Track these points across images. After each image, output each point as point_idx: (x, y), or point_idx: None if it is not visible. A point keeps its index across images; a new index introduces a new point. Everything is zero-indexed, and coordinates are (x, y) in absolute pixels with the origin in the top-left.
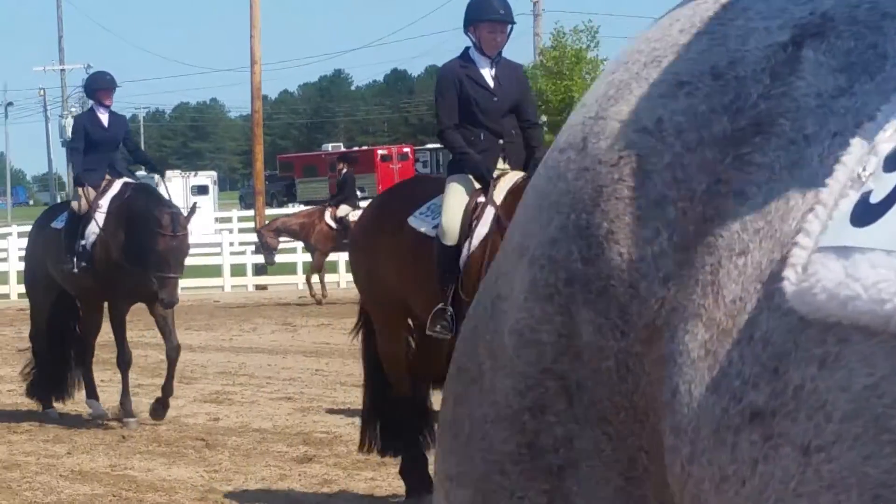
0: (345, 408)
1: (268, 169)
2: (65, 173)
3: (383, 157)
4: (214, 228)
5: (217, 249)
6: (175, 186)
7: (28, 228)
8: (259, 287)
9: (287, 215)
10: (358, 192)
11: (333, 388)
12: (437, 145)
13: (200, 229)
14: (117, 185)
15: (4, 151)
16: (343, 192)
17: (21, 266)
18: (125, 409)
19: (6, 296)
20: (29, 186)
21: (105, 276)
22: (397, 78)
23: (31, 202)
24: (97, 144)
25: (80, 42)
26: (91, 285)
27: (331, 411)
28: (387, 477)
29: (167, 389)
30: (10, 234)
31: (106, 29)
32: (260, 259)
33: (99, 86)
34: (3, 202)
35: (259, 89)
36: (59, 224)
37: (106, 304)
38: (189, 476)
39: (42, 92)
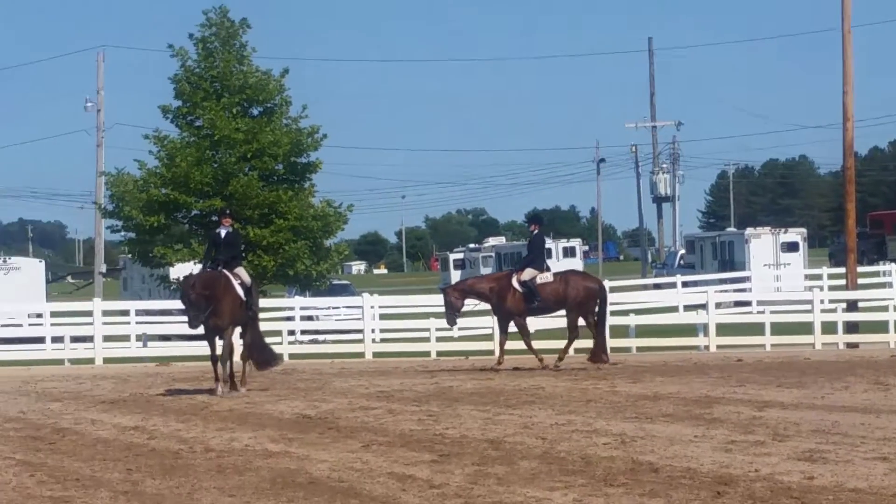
0: None
1: (858, 226)
2: (655, 228)
3: None
4: (804, 286)
5: (807, 307)
6: (765, 243)
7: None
8: (850, 345)
9: (476, 277)
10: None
11: None
12: None
13: (790, 286)
14: None
15: (596, 207)
16: (530, 255)
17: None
18: None
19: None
20: (619, 241)
21: None
22: None
23: (621, 257)
24: None
25: (671, 99)
26: None
27: None
28: None
29: None
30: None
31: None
32: (852, 317)
33: None
34: (594, 257)
35: (851, 146)
36: None
37: None
38: None
39: (634, 148)
